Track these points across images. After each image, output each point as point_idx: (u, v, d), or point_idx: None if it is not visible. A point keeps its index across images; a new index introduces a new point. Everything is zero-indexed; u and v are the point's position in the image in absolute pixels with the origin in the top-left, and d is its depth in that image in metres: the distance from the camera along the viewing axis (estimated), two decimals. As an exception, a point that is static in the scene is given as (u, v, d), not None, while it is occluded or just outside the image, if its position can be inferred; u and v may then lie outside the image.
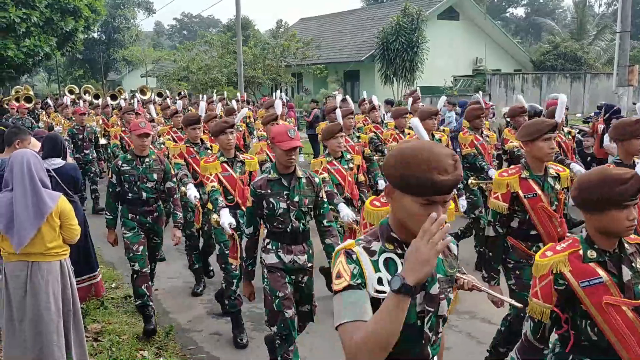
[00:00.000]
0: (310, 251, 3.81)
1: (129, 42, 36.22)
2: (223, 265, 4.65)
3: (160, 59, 30.06)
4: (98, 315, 5.10)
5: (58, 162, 4.82)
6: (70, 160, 5.46)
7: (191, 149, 5.94)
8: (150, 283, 4.97)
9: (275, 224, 3.67)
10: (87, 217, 8.82)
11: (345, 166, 5.25)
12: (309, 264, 3.79)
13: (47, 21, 16.81)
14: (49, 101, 15.02)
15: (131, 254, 4.82)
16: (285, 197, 3.65)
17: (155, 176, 4.98)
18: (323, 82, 24.50)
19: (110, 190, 4.96)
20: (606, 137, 8.60)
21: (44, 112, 13.66)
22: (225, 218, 4.12)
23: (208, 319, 5.19)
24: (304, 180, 3.74)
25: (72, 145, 8.99)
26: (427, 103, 19.91)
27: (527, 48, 33.25)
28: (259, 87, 23.39)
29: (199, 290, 5.83)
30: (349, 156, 5.38)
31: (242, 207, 4.45)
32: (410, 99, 8.98)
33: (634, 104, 17.56)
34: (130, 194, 4.93)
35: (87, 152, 9.41)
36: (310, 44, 23.27)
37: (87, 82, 36.34)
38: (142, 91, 18.26)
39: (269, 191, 3.65)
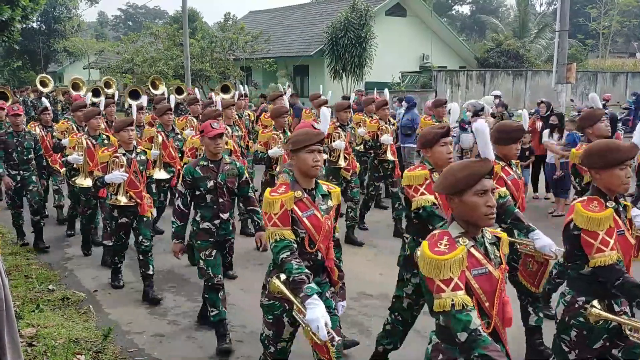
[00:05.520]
0: None
1: (70, 32, 34.89)
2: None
3: (103, 51, 29.12)
4: (33, 319, 4.89)
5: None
6: None
7: None
8: None
9: None
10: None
11: None
12: None
13: (-19, 9, 16.03)
14: (45, 101, 9.13)
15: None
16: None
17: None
18: (272, 77, 24.34)
19: None
20: (545, 133, 8.91)
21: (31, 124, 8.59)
22: (318, 312, 2.78)
23: (150, 320, 5.06)
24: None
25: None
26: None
27: (472, 45, 34.04)
28: (206, 81, 23.02)
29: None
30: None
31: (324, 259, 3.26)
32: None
33: (572, 100, 18.30)
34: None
35: (225, 216, 4.54)
36: (259, 38, 23.05)
37: (26, 74, 34.92)
38: (154, 84, 13.85)
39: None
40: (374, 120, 7.72)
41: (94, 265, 6.53)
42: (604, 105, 16.77)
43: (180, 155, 7.27)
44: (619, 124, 9.85)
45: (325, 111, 3.91)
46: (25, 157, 7.08)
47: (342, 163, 7.14)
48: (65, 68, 39.45)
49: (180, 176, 4.53)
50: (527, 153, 9.00)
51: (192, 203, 4.52)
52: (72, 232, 7.67)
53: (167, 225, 5.73)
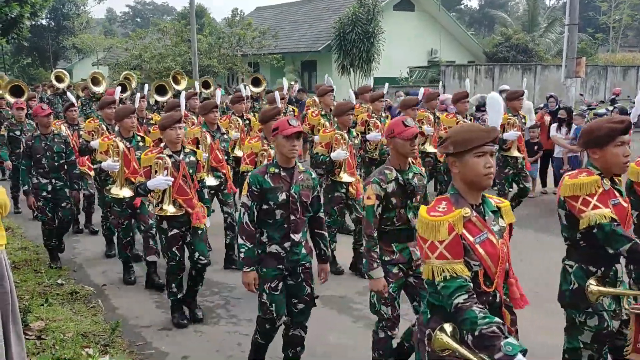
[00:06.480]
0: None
1: (79, 29, 35.07)
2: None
3: (112, 47, 29.24)
4: (42, 313, 4.94)
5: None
6: None
7: None
8: None
9: None
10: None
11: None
12: None
13: (-10, 7, 16.14)
14: (70, 96, 8.67)
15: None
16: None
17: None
18: (280, 72, 24.33)
19: None
20: (553, 128, 8.85)
21: (59, 123, 7.43)
22: None
23: (157, 314, 5.09)
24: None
25: None
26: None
27: (481, 40, 33.86)
28: (214, 77, 23.09)
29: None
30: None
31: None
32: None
33: (581, 94, 18.17)
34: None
35: (297, 237, 3.80)
36: (266, 34, 23.06)
37: (35, 71, 35.15)
38: (175, 79, 12.08)
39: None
40: (451, 115, 6.86)
41: (102, 260, 6.58)
42: (614, 100, 16.68)
43: (226, 158, 6.31)
44: (629, 118, 9.77)
45: (495, 97, 3.00)
46: (56, 164, 6.17)
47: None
48: (74, 65, 39.65)
49: (244, 185, 3.68)
50: (535, 148, 8.95)
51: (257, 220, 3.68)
52: (113, 252, 6.55)
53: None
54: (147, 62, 21.81)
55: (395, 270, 3.52)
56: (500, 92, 11.62)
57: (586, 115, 9.89)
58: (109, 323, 4.79)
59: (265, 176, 3.60)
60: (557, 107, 9.42)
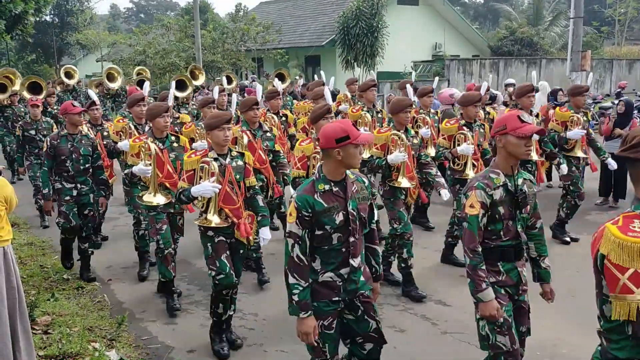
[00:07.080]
0: None
1: (83, 25, 35.13)
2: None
3: (115, 43, 29.28)
4: (48, 307, 4.96)
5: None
6: None
7: None
8: None
9: None
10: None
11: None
12: None
13: (-6, 3, 16.19)
14: (92, 94, 7.16)
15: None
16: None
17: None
18: (284, 67, 24.30)
19: None
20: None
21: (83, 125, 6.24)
22: None
23: (163, 309, 5.09)
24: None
25: None
26: (387, 88, 20.10)
27: (485, 34, 33.74)
28: (218, 72, 23.08)
29: (144, 273, 5.83)
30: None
31: None
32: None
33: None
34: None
35: (356, 262, 3.15)
36: (270, 28, 23.04)
37: (39, 67, 35.26)
38: (193, 74, 10.99)
39: None
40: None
41: (107, 256, 6.60)
42: (619, 93, 16.61)
43: (270, 158, 5.76)
44: (635, 112, 9.72)
45: None
46: (81, 167, 5.61)
47: (470, 172, 5.57)
48: (78, 61, 39.73)
49: (290, 209, 2.92)
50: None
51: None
52: (145, 273, 5.87)
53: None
54: (151, 58, 21.81)
55: (503, 291, 3.01)
56: (506, 85, 11.59)
57: (591, 109, 9.85)
58: (115, 317, 4.81)
59: (315, 196, 2.90)
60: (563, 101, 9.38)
